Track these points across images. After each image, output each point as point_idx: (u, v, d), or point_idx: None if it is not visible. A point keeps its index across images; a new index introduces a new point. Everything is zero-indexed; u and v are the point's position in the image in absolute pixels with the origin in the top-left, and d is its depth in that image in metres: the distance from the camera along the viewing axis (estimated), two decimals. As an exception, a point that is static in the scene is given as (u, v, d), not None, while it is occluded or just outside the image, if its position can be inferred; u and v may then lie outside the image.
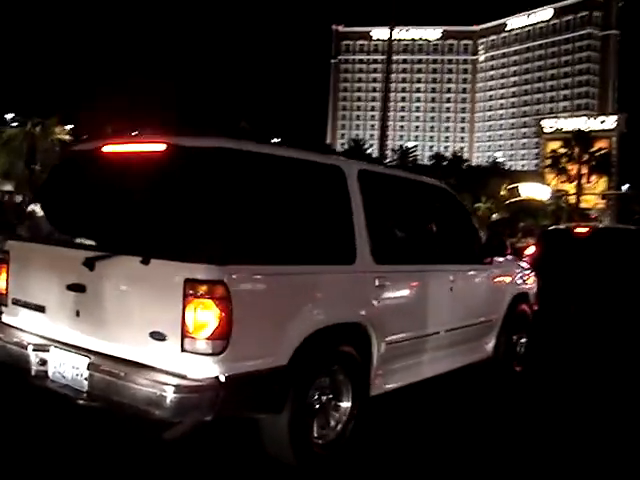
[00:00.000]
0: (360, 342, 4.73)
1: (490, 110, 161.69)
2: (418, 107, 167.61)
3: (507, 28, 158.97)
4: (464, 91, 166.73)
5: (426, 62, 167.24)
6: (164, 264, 3.75)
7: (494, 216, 69.84)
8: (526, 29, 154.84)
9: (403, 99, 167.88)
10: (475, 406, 6.34)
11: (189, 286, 3.61)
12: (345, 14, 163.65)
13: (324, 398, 4.48)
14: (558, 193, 79.89)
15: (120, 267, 3.97)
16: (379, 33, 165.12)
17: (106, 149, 4.61)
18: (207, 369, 3.65)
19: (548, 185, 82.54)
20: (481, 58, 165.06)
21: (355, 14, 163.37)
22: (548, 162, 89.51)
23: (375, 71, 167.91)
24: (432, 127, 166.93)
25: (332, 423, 4.58)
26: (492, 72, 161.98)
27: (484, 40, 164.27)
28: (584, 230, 11.76)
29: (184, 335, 3.62)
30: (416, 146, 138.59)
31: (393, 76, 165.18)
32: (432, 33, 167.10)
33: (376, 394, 5.03)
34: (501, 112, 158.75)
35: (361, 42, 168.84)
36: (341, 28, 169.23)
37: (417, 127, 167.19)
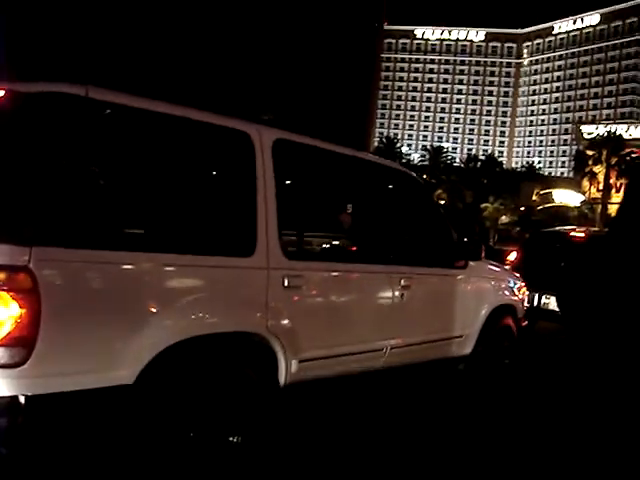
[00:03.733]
0: (259, 360, 3.74)
1: (532, 115, 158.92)
2: (459, 109, 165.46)
3: (553, 32, 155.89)
4: (506, 94, 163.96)
5: (469, 64, 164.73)
6: None
7: (503, 218, 68.44)
8: (572, 34, 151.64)
9: (444, 100, 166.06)
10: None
11: None
12: (388, 12, 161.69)
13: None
14: (593, 201, 78.14)
15: None
16: (422, 32, 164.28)
17: None
18: (0, 385, 2.75)
19: (584, 193, 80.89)
20: (525, 62, 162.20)
21: (398, 12, 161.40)
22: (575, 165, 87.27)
23: (417, 70, 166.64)
24: (472, 130, 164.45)
25: None
26: (535, 76, 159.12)
27: (529, 44, 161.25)
28: (580, 235, 10.59)
29: None
30: (455, 148, 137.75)
31: (434, 76, 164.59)
32: (475, 35, 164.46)
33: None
34: (543, 117, 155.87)
35: (403, 41, 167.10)
36: (384, 26, 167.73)
37: (456, 129, 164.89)
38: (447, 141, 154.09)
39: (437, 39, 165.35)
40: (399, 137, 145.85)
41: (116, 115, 3.28)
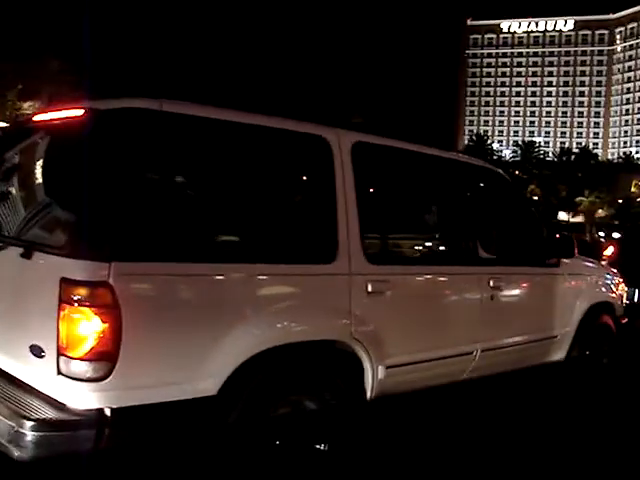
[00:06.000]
0: (345, 367, 3.72)
1: (627, 103, 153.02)
2: (549, 102, 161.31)
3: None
4: (599, 84, 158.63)
5: (558, 54, 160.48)
6: (43, 258, 3.04)
7: (600, 212, 66.23)
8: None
9: (534, 93, 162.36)
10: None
11: (64, 288, 2.82)
12: (473, 7, 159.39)
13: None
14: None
15: (6, 260, 3.30)
16: (508, 25, 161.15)
17: (32, 120, 3.96)
18: (86, 398, 2.85)
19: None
20: (618, 48, 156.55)
21: (483, 7, 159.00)
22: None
23: (504, 65, 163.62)
24: (564, 122, 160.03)
25: None
26: (630, 62, 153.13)
27: (622, 29, 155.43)
28: None
29: (59, 353, 2.83)
30: (547, 142, 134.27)
31: (523, 70, 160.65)
32: (564, 24, 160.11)
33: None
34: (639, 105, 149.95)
35: (490, 35, 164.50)
36: (469, 21, 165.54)
37: (548, 122, 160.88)
38: (539, 135, 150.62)
39: (524, 31, 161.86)
40: (489, 134, 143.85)
41: (191, 127, 3.32)
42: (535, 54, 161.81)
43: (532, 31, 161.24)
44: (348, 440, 3.70)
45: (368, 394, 3.86)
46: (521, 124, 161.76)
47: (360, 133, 4.11)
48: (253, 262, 3.33)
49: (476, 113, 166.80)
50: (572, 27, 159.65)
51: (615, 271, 6.65)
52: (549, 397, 5.68)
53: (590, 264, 6.26)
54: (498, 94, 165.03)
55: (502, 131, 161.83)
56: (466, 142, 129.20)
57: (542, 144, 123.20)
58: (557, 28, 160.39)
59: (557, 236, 5.56)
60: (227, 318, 3.19)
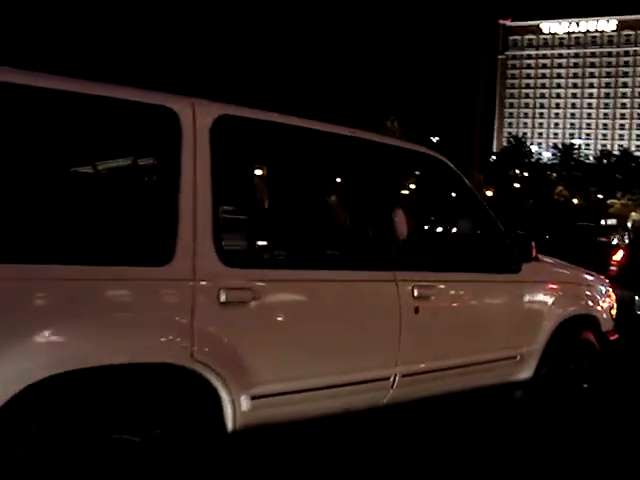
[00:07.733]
0: (192, 397, 2.91)
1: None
2: (590, 103, 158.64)
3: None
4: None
5: (600, 55, 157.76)
6: None
7: (633, 215, 64.84)
8: None
9: (574, 95, 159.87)
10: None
11: None
12: (513, 8, 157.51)
13: None
14: None
15: None
16: (549, 26, 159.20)
17: None
18: None
19: None
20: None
21: (523, 8, 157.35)
22: None
23: (544, 66, 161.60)
24: (605, 124, 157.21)
25: None
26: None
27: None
28: None
29: None
30: (588, 145, 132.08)
31: (563, 71, 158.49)
32: (606, 24, 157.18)
33: None
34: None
35: (529, 37, 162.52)
36: (508, 22, 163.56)
37: (588, 124, 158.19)
38: (579, 137, 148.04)
39: (565, 32, 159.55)
40: (528, 136, 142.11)
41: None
42: (576, 55, 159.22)
43: (573, 32, 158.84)
44: None
45: (230, 428, 3.04)
46: (561, 126, 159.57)
47: (228, 105, 3.29)
48: (43, 262, 2.55)
49: (515, 115, 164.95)
50: (614, 27, 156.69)
51: (604, 278, 5.71)
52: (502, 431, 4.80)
53: (564, 270, 5.27)
54: (538, 95, 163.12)
55: (541, 133, 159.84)
56: (504, 144, 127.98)
57: (582, 146, 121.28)
58: (599, 28, 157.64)
59: (515, 236, 4.70)
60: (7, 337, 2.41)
